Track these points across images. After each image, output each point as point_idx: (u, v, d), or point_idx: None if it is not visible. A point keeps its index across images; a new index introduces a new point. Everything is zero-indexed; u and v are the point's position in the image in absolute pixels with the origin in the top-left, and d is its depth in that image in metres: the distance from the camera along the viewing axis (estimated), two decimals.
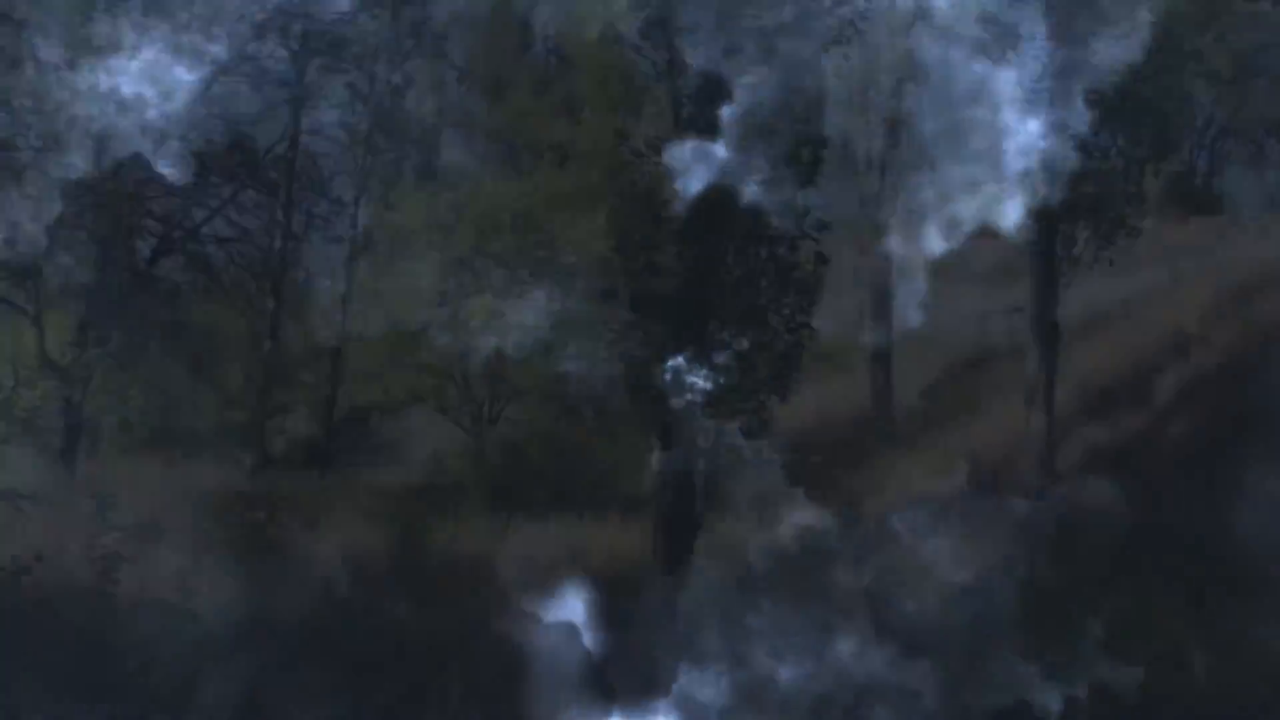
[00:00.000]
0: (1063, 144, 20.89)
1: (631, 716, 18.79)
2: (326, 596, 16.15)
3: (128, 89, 21.31)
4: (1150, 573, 20.40)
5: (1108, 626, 18.70)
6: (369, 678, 14.14)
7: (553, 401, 24.10)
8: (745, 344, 22.51)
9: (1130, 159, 22.85)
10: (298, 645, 13.43)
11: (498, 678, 17.66)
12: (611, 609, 19.09)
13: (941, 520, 20.92)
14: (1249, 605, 19.93)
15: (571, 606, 19.49)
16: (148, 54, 21.30)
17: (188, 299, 23.63)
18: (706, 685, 18.44)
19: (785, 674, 19.02)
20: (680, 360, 21.93)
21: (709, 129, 21.87)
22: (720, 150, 21.80)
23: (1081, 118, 20.88)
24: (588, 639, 19.30)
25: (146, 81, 21.45)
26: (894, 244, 25.30)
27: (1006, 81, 21.20)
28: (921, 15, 22.30)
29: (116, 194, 22.33)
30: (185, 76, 21.43)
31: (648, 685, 18.99)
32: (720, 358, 22.21)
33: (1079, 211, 21.92)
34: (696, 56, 21.96)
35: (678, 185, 21.80)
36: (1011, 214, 22.11)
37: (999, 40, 21.07)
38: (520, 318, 22.47)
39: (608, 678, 19.00)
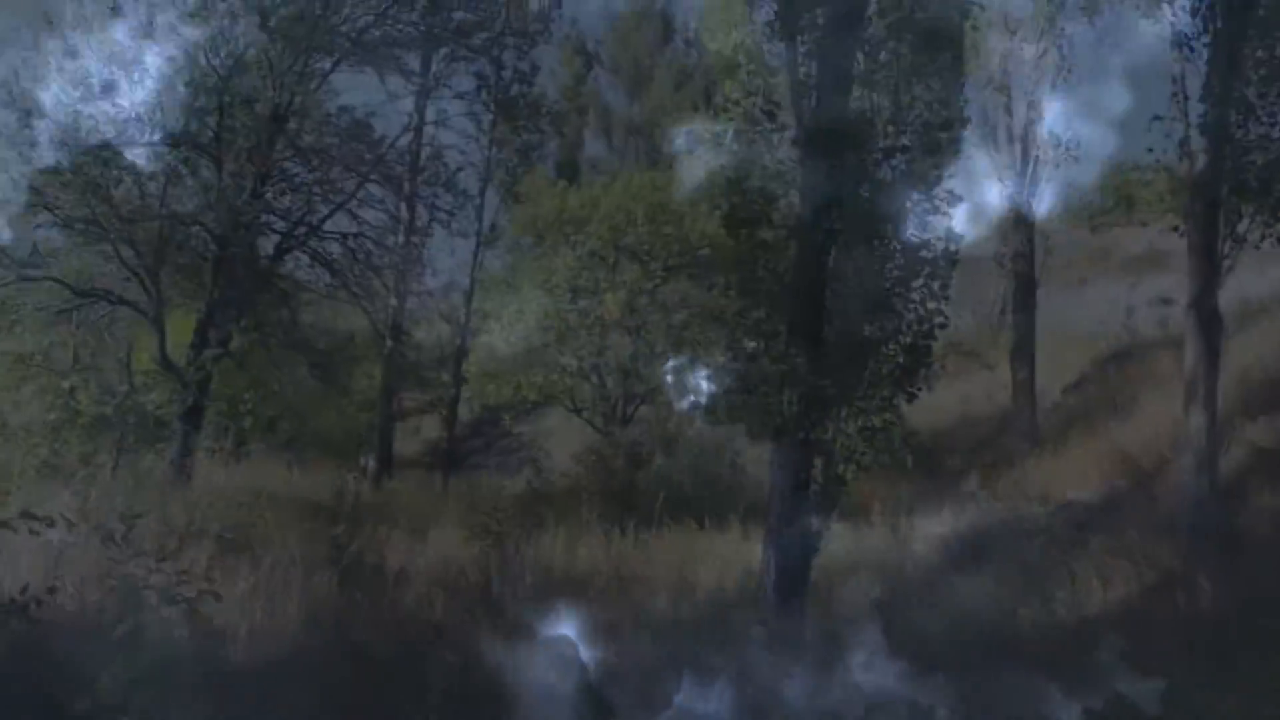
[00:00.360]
0: (1225, 109, 19.21)
1: None
2: (415, 622, 14.15)
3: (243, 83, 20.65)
4: None
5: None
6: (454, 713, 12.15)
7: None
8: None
9: None
10: (382, 680, 11.83)
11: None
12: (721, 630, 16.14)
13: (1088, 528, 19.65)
14: None
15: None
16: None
17: (310, 298, 22.76)
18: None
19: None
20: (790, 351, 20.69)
21: None
22: None
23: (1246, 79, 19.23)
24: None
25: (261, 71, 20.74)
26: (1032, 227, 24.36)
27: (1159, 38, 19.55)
28: None
29: (235, 189, 21.43)
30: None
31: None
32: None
33: (1245, 184, 19.91)
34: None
35: None
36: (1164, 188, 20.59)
37: None
38: (656, 316, 21.69)
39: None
